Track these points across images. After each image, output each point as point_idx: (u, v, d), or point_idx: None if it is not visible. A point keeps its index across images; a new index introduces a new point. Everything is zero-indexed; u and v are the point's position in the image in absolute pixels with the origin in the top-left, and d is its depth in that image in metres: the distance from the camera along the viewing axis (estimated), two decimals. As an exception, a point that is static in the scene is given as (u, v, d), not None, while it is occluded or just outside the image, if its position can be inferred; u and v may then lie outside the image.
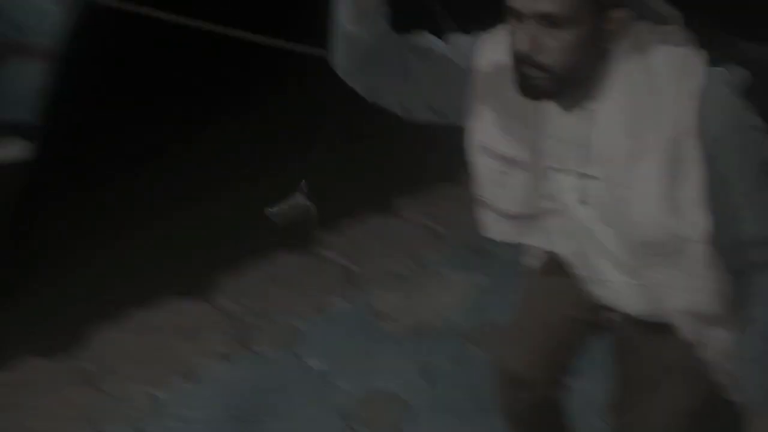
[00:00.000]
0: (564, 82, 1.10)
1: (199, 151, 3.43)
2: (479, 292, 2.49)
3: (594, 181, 1.15)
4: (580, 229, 1.23)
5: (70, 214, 3.13)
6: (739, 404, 1.25)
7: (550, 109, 1.16)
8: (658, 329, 1.26)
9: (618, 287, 1.26)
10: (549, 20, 1.05)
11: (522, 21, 1.07)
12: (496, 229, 1.31)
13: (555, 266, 1.37)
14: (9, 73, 2.99)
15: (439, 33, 1.32)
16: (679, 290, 1.17)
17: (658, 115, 1.08)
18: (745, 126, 1.10)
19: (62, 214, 3.11)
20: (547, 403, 1.49)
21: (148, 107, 3.68)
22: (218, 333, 2.33)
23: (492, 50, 1.21)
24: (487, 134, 1.23)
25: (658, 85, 1.09)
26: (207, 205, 3.01)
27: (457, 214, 3.02)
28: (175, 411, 2.03)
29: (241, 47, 3.10)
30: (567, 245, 1.27)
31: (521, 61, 1.09)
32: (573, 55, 1.07)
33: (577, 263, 1.30)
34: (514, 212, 1.26)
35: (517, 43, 1.09)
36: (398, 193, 3.09)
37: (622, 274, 1.23)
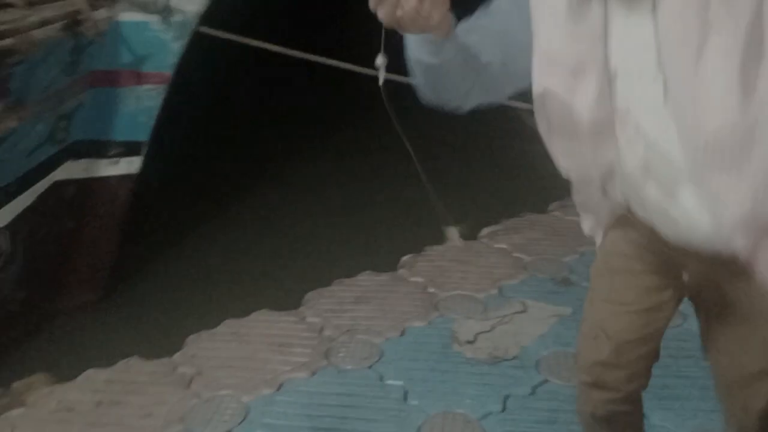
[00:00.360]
0: None
1: (294, 175, 3.64)
2: (559, 322, 2.51)
3: (661, 78, 1.12)
4: (648, 135, 1.19)
5: (174, 226, 3.39)
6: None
7: (613, 8, 1.14)
8: (732, 271, 1.23)
9: (682, 209, 1.21)
10: None
11: None
12: (566, 151, 1.26)
13: (621, 226, 1.36)
14: (130, 100, 3.29)
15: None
16: (745, 195, 1.12)
17: None
18: None
19: (167, 225, 3.37)
20: (630, 400, 1.47)
21: (249, 129, 3.93)
22: (305, 347, 2.45)
23: None
24: (552, 44, 1.20)
25: None
26: (301, 227, 3.20)
27: (541, 244, 3.06)
28: (261, 418, 2.15)
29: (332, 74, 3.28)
30: (633, 156, 1.22)
31: None
32: None
33: (640, 183, 1.24)
34: (585, 121, 1.21)
35: None
36: (484, 221, 3.16)
37: (687, 187, 1.18)
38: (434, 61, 1.23)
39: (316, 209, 3.35)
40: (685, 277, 1.35)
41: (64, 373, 2.37)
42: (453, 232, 1.76)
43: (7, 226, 2.92)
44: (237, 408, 2.18)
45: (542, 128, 1.28)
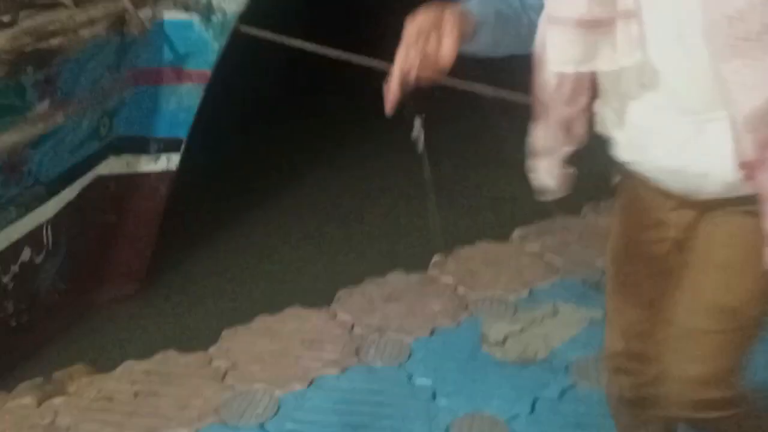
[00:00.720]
0: None
1: (328, 175, 3.69)
2: (589, 325, 2.51)
3: None
4: (657, 26, 1.17)
5: (211, 223, 3.47)
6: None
7: None
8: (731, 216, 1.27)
9: (686, 126, 1.22)
10: None
11: None
12: (561, 50, 1.22)
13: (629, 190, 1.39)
14: (171, 97, 3.37)
15: None
16: (759, 84, 1.11)
17: None
18: None
19: (203, 221, 3.45)
20: (656, 383, 1.47)
21: (284, 129, 3.99)
22: (336, 344, 2.49)
23: None
24: None
25: None
26: (334, 226, 3.25)
27: (574, 247, 3.05)
28: (293, 413, 2.20)
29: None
30: (635, 58, 1.20)
31: None
32: None
33: (643, 94, 1.25)
34: (583, 15, 1.18)
35: None
36: (516, 223, 3.17)
37: (696, 75, 1.17)
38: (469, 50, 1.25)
39: (349, 208, 3.40)
40: (672, 233, 1.36)
41: (104, 364, 2.45)
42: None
43: (50, 220, 3.02)
44: (269, 402, 2.23)
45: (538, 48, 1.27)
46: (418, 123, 1.26)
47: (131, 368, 2.40)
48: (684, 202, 1.32)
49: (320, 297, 2.76)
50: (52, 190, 3.00)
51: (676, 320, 1.37)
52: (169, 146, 3.40)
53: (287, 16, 3.76)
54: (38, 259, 2.98)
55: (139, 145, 3.39)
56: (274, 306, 2.71)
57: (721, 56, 1.11)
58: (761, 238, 1.21)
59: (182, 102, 3.38)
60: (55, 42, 2.66)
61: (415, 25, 1.14)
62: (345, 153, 3.73)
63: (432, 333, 2.54)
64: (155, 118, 3.38)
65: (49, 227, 3.00)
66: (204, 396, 2.26)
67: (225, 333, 2.57)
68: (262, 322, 2.63)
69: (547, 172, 1.40)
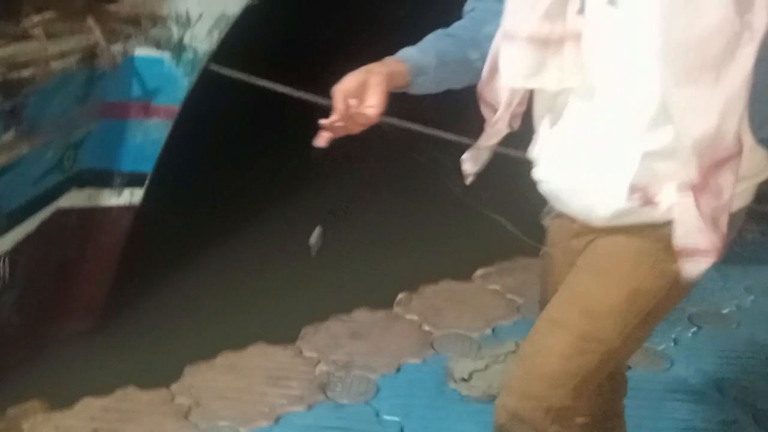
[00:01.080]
0: None
1: (292, 212, 3.71)
2: (552, 364, 2.56)
3: None
4: (604, 49, 1.22)
5: (172, 257, 3.43)
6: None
7: None
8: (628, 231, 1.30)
9: (616, 155, 1.25)
10: None
11: None
12: (512, 65, 1.28)
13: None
14: (138, 132, 3.36)
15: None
16: (715, 109, 1.13)
17: None
18: None
19: (165, 256, 3.41)
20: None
21: (250, 164, 4.00)
22: (302, 381, 2.48)
23: None
24: None
25: None
26: (298, 263, 3.25)
27: (533, 286, 3.12)
28: (257, 451, 2.18)
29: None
30: (577, 80, 1.26)
31: None
32: None
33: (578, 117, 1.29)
34: (535, 32, 1.23)
35: None
36: (478, 263, 3.23)
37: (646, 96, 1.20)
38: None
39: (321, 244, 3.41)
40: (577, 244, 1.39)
41: (61, 401, 2.37)
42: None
43: (8, 252, 2.94)
44: (234, 439, 2.21)
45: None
46: (317, 231, 1.41)
47: (90, 405, 2.34)
48: (583, 228, 1.36)
49: (285, 333, 2.75)
50: (12, 221, 2.93)
51: (545, 311, 1.40)
52: (133, 181, 3.36)
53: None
54: (-7, 292, 2.89)
55: (103, 179, 3.34)
56: (238, 342, 2.68)
57: (675, 81, 1.15)
58: (644, 263, 1.29)
59: (149, 137, 3.36)
60: (25, 73, 2.64)
61: (340, 90, 1.25)
62: (311, 189, 3.76)
63: (398, 370, 2.55)
64: (121, 152, 3.35)
65: (6, 260, 2.93)
66: (167, 433, 2.21)
67: (187, 369, 2.53)
68: (225, 358, 2.60)
69: (474, 161, 1.46)
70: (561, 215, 1.41)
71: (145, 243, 3.21)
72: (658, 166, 1.23)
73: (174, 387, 2.44)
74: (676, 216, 1.23)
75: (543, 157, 1.38)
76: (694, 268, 1.24)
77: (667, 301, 1.35)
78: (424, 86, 1.33)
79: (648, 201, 1.25)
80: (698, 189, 1.18)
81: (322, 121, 1.25)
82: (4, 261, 2.93)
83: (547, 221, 1.49)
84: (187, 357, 2.59)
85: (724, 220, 1.20)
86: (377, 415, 2.34)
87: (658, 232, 1.27)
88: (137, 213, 3.35)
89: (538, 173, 1.39)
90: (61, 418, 2.27)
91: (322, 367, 2.57)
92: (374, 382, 2.49)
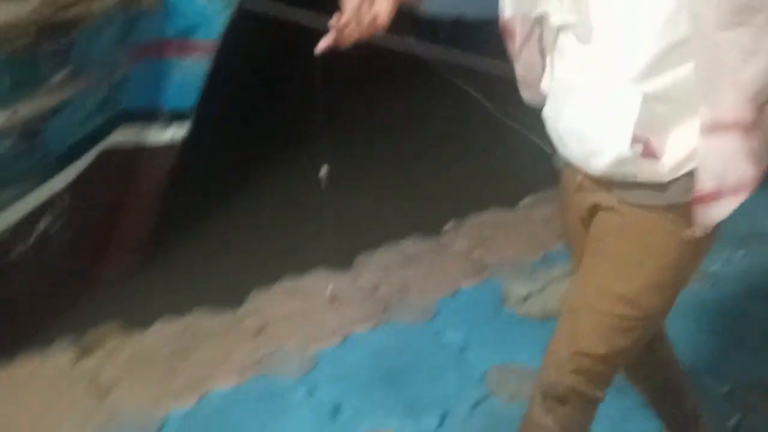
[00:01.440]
0: None
1: (344, 140, 3.73)
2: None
3: None
4: None
5: (227, 189, 3.49)
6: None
7: None
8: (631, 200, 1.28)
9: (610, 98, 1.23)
10: None
11: None
12: None
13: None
14: (177, 69, 3.38)
15: None
16: (760, 51, 1.13)
17: None
18: None
19: (220, 188, 3.48)
20: None
21: (291, 101, 4.01)
22: (363, 304, 2.57)
23: None
24: None
25: None
26: (352, 192, 3.31)
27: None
28: (328, 368, 2.27)
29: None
30: (577, 17, 1.25)
31: None
32: None
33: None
34: None
35: None
36: (522, 191, 3.29)
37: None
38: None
39: (365, 175, 3.46)
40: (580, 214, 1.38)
41: (135, 325, 2.47)
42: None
43: (62, 191, 3.01)
44: (304, 359, 2.30)
45: None
46: (325, 169, 1.43)
47: (164, 328, 2.44)
48: (584, 182, 1.34)
49: (340, 261, 2.83)
50: (64, 162, 2.99)
51: (570, 295, 1.41)
52: (176, 117, 3.40)
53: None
54: (53, 230, 2.97)
55: (146, 118, 3.38)
56: (297, 269, 2.76)
57: (724, 24, 1.13)
58: (661, 235, 1.26)
59: (189, 74, 3.39)
60: (71, 14, 2.66)
61: None
62: (362, 120, 3.79)
63: (454, 293, 2.63)
64: (162, 90, 3.38)
65: (62, 198, 3.00)
66: (241, 352, 2.31)
67: (252, 294, 2.62)
68: (287, 283, 2.69)
69: (531, 94, 1.46)
70: (567, 164, 1.38)
71: (200, 175, 3.27)
72: (661, 112, 1.21)
73: (241, 310, 2.53)
74: (701, 160, 1.20)
75: (549, 94, 1.37)
76: (721, 211, 1.22)
77: (695, 259, 1.34)
78: (438, 3, 1.34)
79: (650, 153, 1.22)
80: (748, 128, 1.17)
81: (331, 21, 1.25)
82: (59, 200, 3.00)
83: (560, 164, 1.45)
84: (250, 283, 2.68)
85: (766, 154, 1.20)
86: (438, 334, 2.43)
87: (665, 197, 1.26)
88: (184, 148, 3.40)
89: (545, 110, 1.38)
90: (138, 341, 2.37)
91: (380, 291, 2.65)
92: (432, 304, 2.57)
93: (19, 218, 2.79)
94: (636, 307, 1.32)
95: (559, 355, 1.41)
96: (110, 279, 3.16)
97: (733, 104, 1.16)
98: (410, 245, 2.95)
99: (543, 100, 1.42)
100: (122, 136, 3.33)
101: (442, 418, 2.06)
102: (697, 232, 1.25)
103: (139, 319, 2.46)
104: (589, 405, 1.42)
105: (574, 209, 1.40)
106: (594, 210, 1.35)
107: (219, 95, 3.42)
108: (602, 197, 1.32)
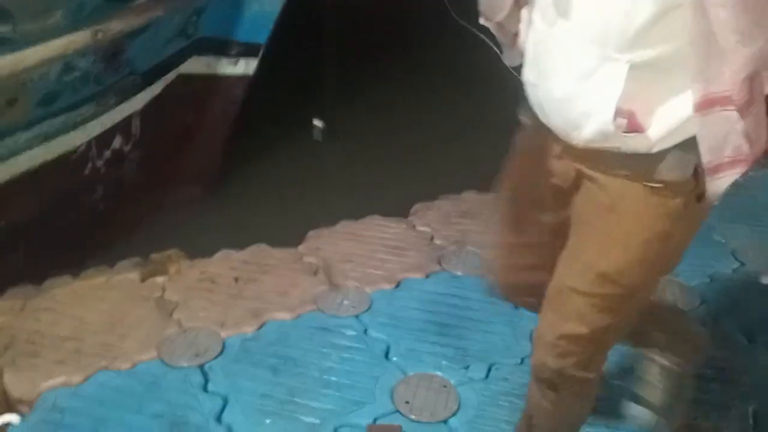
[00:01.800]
0: None
1: (406, 87, 3.73)
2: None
3: None
4: None
5: (289, 131, 3.54)
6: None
7: None
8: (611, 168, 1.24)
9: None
10: None
11: None
12: None
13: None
14: (253, 2, 3.40)
15: None
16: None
17: None
18: None
19: (282, 129, 3.53)
20: None
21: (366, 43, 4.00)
22: (418, 251, 2.62)
23: None
24: None
25: None
26: (412, 143, 3.35)
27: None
28: (383, 309, 2.34)
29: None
30: None
31: None
32: None
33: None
34: None
35: None
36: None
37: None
38: None
39: (427, 129, 3.48)
40: (555, 180, 1.34)
41: (200, 251, 2.57)
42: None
43: (138, 112, 3.10)
44: (362, 297, 2.37)
45: None
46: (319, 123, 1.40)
47: (228, 256, 2.54)
48: (566, 150, 1.29)
49: (398, 210, 2.88)
50: (144, 82, 3.07)
51: (555, 276, 1.37)
52: (248, 51, 3.44)
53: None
54: (126, 148, 3.08)
55: (221, 48, 3.43)
56: (355, 213, 2.82)
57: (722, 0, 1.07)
58: (647, 208, 1.22)
59: (264, 7, 3.41)
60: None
61: None
62: (431, 77, 3.79)
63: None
64: (237, 22, 3.41)
65: (137, 119, 3.09)
66: (301, 286, 2.39)
67: (311, 233, 2.69)
68: (345, 226, 2.76)
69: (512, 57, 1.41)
70: (542, 130, 1.31)
71: (265, 115, 3.33)
72: (648, 84, 1.16)
73: (301, 248, 2.61)
74: (699, 133, 1.17)
75: (528, 56, 1.30)
76: (720, 184, 1.19)
77: (684, 235, 1.31)
78: None
79: (635, 127, 1.18)
80: (743, 106, 1.13)
81: None
82: (135, 120, 3.10)
83: (524, 119, 1.38)
84: (308, 223, 2.75)
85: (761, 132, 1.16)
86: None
87: (650, 168, 1.22)
88: (252, 83, 3.46)
89: (524, 73, 1.31)
90: (204, 265, 2.47)
91: (436, 241, 2.70)
92: (484, 256, 2.60)
93: (96, 135, 2.90)
94: (618, 285, 1.29)
95: (544, 340, 1.41)
96: (176, 205, 3.28)
97: (728, 82, 1.11)
98: (468, 198, 2.98)
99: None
100: (196, 65, 3.40)
101: (489, 370, 2.12)
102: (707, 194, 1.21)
103: (201, 247, 2.56)
104: (581, 387, 1.43)
105: (554, 175, 1.34)
106: (578, 180, 1.31)
107: (290, 34, 3.44)
108: (586, 166, 1.28)
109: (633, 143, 1.20)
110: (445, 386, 2.04)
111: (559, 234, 1.39)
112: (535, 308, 1.47)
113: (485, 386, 2.06)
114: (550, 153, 1.32)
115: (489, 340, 2.24)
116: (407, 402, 1.98)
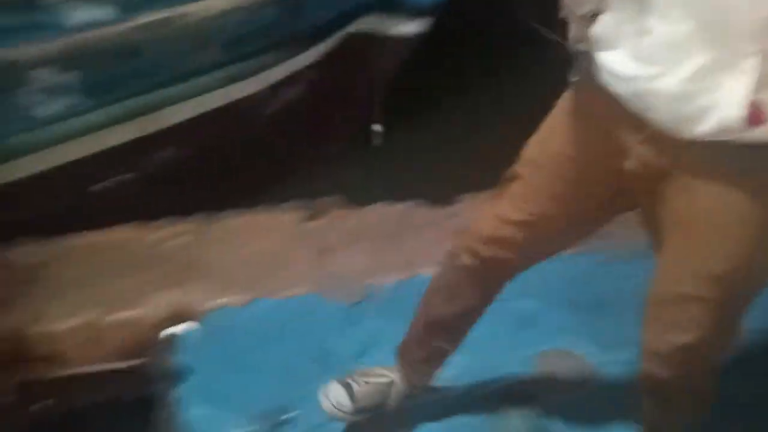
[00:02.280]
0: None
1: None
2: None
3: None
4: None
5: (449, 98, 3.56)
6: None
7: None
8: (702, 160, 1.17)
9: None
10: None
11: None
12: None
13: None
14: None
15: None
16: None
17: None
18: None
19: (441, 96, 3.56)
20: None
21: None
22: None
23: None
24: None
25: None
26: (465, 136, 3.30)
27: None
28: (528, 279, 2.30)
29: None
30: None
31: None
32: None
33: None
34: None
35: None
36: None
37: None
38: None
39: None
40: (629, 165, 1.26)
41: (355, 201, 2.68)
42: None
43: (309, 66, 3.25)
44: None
45: None
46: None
47: (382, 209, 2.63)
48: (656, 138, 1.20)
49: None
50: (317, 38, 3.21)
51: (657, 286, 1.33)
52: (419, 11, 3.49)
53: None
54: (295, 100, 3.24)
55: (391, 6, 3.49)
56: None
57: None
58: (759, 205, 1.16)
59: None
60: None
61: None
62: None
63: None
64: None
65: (308, 72, 3.24)
66: (447, 246, 2.42)
67: (464, 197, 2.72)
68: (491, 194, 2.74)
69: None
70: (615, 107, 1.22)
71: (427, 77, 3.37)
72: None
73: (452, 209, 2.65)
74: None
75: (625, 46, 1.19)
76: None
77: None
78: None
79: (758, 120, 1.09)
80: None
81: None
82: (305, 74, 3.24)
83: (581, 91, 1.31)
84: (462, 186, 2.77)
85: None
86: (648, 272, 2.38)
87: (764, 163, 1.15)
88: (416, 42, 3.50)
89: (616, 65, 1.21)
90: (358, 216, 2.58)
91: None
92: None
93: (271, 84, 3.08)
94: (734, 288, 1.26)
95: (657, 353, 1.38)
96: (337, 157, 3.42)
97: None
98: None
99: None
100: (367, 23, 3.49)
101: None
102: None
103: (358, 198, 2.66)
104: (696, 399, 1.41)
105: (630, 158, 1.25)
106: (668, 173, 1.22)
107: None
108: (687, 160, 1.20)
109: (756, 135, 1.13)
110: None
111: (588, 211, 1.39)
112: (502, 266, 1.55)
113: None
114: (631, 135, 1.24)
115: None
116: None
